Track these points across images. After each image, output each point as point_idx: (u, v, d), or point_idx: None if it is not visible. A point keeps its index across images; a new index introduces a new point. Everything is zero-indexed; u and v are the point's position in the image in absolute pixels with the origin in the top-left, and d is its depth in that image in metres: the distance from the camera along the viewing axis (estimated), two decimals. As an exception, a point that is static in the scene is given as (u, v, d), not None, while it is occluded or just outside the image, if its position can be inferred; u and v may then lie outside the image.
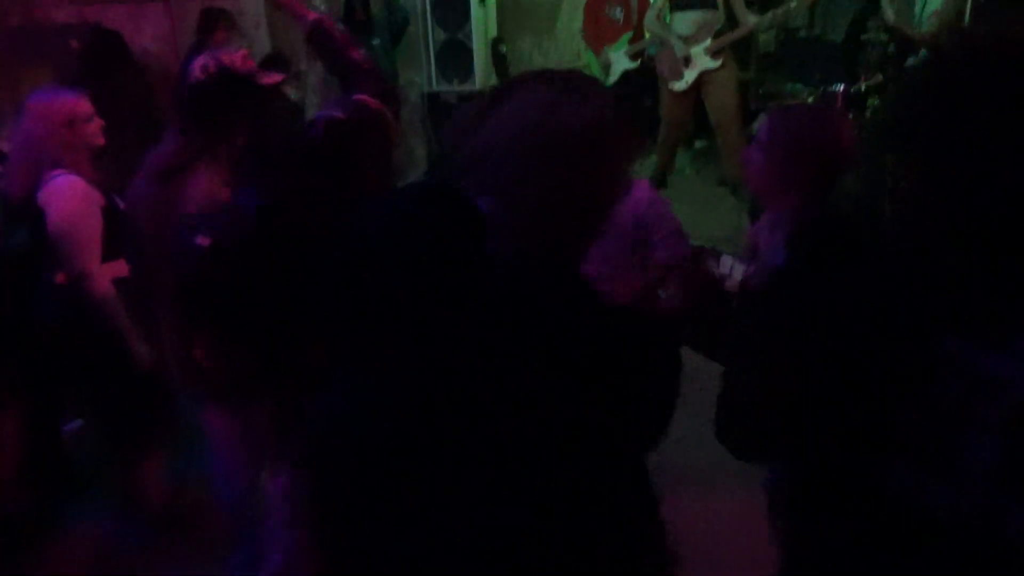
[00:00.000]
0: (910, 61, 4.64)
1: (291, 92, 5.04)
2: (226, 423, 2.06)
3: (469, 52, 6.07)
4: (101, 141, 2.58)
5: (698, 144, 6.99)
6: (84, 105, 2.52)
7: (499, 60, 6.34)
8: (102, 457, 2.85)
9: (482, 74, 6.14)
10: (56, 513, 2.86)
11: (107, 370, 2.50)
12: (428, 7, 6.10)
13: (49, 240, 2.35)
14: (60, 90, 2.61)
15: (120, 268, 2.49)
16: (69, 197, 2.37)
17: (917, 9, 4.61)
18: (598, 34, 6.37)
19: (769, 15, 5.39)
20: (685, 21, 5.39)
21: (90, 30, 4.60)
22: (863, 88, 5.41)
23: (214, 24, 4.77)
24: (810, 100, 5.79)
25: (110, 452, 2.78)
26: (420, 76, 6.37)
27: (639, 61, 6.14)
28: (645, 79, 5.84)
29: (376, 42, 5.68)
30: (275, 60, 4.62)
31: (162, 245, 1.88)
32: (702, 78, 5.42)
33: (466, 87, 6.08)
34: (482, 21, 6.14)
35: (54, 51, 4.56)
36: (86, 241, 2.39)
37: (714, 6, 5.31)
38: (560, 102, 1.09)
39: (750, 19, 5.30)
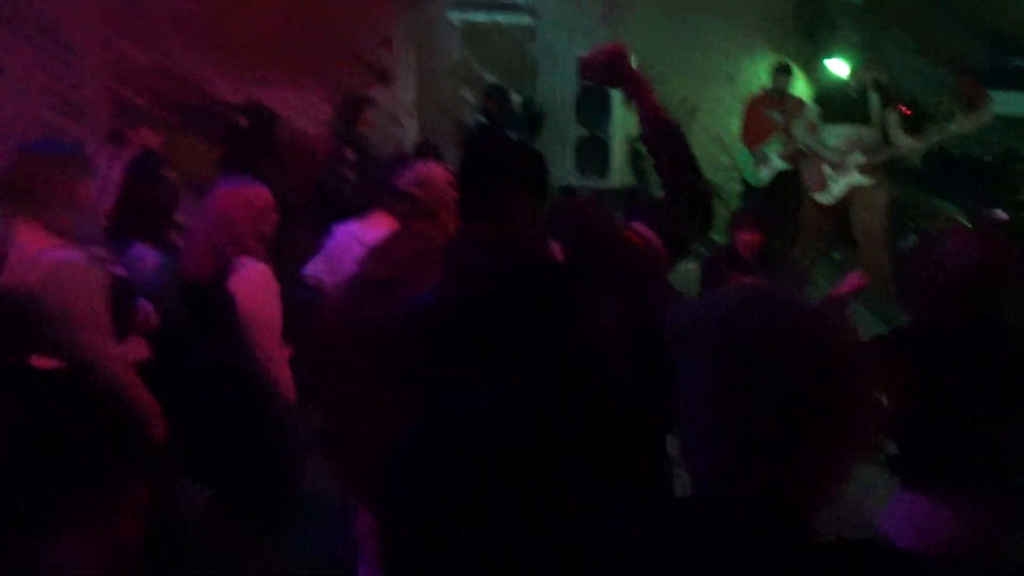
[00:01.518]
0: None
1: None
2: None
3: (607, 149, 6.12)
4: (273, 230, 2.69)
5: (836, 256, 6.76)
6: (269, 195, 2.63)
7: (636, 158, 6.36)
8: (221, 529, 2.87)
9: (619, 171, 6.17)
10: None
11: (256, 450, 2.53)
12: (573, 103, 6.21)
13: (238, 324, 2.40)
14: (249, 179, 2.74)
15: (287, 352, 2.55)
16: (260, 285, 2.45)
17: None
18: (755, 133, 6.43)
19: (926, 138, 5.21)
20: (837, 134, 5.28)
21: (252, 109, 4.88)
22: (1026, 216, 5.13)
23: (359, 110, 4.96)
24: (963, 223, 5.54)
25: (230, 526, 2.80)
26: (557, 170, 6.45)
27: (793, 165, 6.06)
28: (796, 182, 5.74)
29: (515, 137, 5.81)
30: (426, 148, 4.76)
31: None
32: (850, 194, 5.26)
33: (603, 183, 6.11)
34: (623, 119, 6.19)
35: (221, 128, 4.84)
36: (272, 327, 2.46)
37: (868, 122, 5.18)
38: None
39: (905, 140, 5.14)
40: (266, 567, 2.72)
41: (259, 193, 2.60)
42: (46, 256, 2.14)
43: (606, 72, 1.84)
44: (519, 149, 1.84)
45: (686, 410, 0.96)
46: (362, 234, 2.66)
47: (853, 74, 5.24)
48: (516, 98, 5.87)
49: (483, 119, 5.75)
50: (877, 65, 5.26)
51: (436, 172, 2.15)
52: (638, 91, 1.83)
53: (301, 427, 2.62)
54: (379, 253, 2.13)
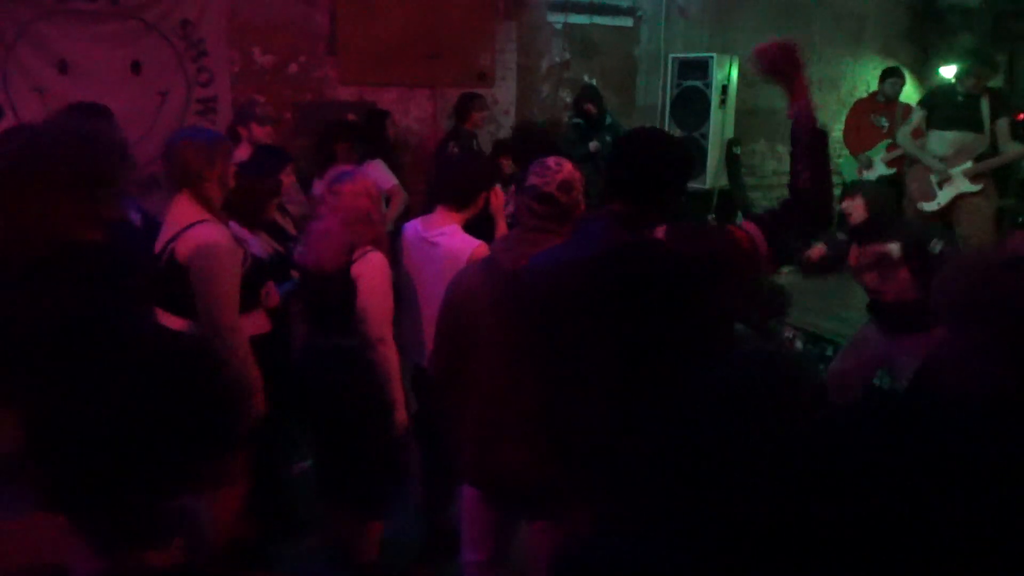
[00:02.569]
0: None
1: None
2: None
3: (703, 151, 6.14)
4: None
5: (937, 266, 6.55)
6: (382, 186, 2.84)
7: (732, 161, 6.35)
8: (329, 504, 3.05)
9: (713, 174, 6.18)
10: (270, 550, 3.02)
11: (366, 429, 2.72)
12: (668, 106, 6.26)
13: (357, 309, 2.61)
14: (365, 170, 2.95)
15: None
16: (380, 272, 2.64)
17: None
18: (860, 138, 6.37)
19: (1039, 145, 5.02)
20: (943, 141, 5.14)
21: (365, 108, 5.19)
22: None
23: (470, 107, 5.18)
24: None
25: (339, 503, 2.98)
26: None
27: (896, 169, 5.94)
28: (899, 188, 5.61)
29: (608, 139, 5.88)
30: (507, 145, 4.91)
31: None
32: (956, 201, 5.11)
33: (697, 184, 6.13)
34: (720, 123, 6.20)
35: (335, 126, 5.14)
36: (388, 312, 2.66)
37: (978, 128, 5.02)
38: None
39: (1015, 147, 4.96)
40: (364, 545, 2.90)
41: (369, 184, 2.81)
42: (196, 230, 2.42)
43: (779, 63, 1.91)
44: (680, 147, 2.00)
45: None
46: (425, 230, 2.81)
47: (963, 80, 5.07)
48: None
49: (579, 120, 5.88)
50: (989, 72, 5.08)
51: (577, 176, 2.20)
52: (800, 89, 1.90)
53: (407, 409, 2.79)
54: (510, 244, 2.23)
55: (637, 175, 1.87)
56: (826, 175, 1.88)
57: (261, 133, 4.16)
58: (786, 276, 4.63)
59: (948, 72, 6.32)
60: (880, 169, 6.23)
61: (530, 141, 4.31)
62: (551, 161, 2.17)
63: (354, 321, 2.64)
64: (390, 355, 2.67)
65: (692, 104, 6.19)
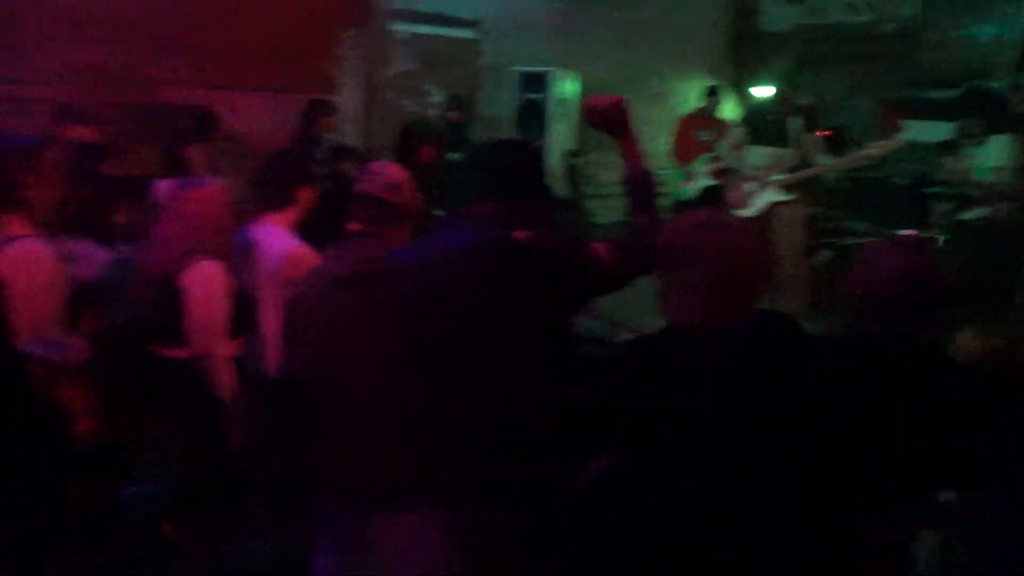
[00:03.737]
0: (965, 215, 4.79)
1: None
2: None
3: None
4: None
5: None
6: (226, 193, 2.73)
7: (571, 172, 6.60)
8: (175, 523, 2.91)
9: (553, 184, 6.39)
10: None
11: (204, 445, 2.61)
12: (514, 116, 6.45)
13: (184, 319, 2.50)
14: (208, 178, 2.84)
15: (233, 348, 2.65)
16: (211, 283, 2.53)
17: (977, 163, 4.75)
18: (684, 151, 6.78)
19: (844, 159, 5.57)
20: (760, 154, 5.59)
21: (196, 111, 4.96)
22: (933, 236, 5.52)
23: (318, 111, 5.10)
24: (875, 240, 5.90)
25: (184, 522, 2.85)
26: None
27: (718, 180, 6.38)
28: (720, 198, 6.04)
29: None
30: (343, 150, 4.91)
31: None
32: (771, 209, 5.57)
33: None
34: (559, 134, 6.43)
35: (164, 128, 4.91)
36: (217, 326, 2.55)
37: (789, 143, 5.51)
38: None
39: (824, 160, 5.48)
40: (222, 563, 2.79)
41: (223, 190, 2.71)
42: (13, 247, 2.21)
43: (607, 119, 2.06)
44: (532, 152, 2.08)
45: None
46: (250, 234, 2.74)
47: (776, 99, 5.55)
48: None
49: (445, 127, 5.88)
50: (799, 91, 5.59)
51: (404, 177, 2.20)
52: (628, 142, 2.06)
53: (247, 424, 2.68)
54: (342, 250, 2.19)
55: (506, 177, 1.93)
56: (655, 214, 2.08)
57: (83, 135, 3.89)
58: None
59: (764, 91, 6.88)
60: (703, 180, 6.63)
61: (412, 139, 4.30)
62: (375, 165, 2.20)
63: (185, 333, 2.54)
64: (219, 370, 2.57)
65: (534, 117, 6.38)
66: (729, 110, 7.30)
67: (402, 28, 6.09)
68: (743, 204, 5.65)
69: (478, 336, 1.80)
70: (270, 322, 2.55)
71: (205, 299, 2.52)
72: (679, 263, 1.68)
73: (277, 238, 2.68)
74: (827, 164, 5.54)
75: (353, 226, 2.15)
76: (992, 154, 4.75)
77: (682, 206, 6.85)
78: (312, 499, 2.31)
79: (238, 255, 2.75)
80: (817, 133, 5.74)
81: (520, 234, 1.90)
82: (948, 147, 5.26)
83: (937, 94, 6.84)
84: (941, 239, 5.20)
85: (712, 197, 6.45)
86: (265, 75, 5.40)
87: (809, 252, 5.82)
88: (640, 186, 2.04)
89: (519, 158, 2.00)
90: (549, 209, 2.05)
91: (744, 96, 8.07)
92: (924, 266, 1.94)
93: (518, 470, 1.78)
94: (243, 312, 2.64)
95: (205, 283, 2.53)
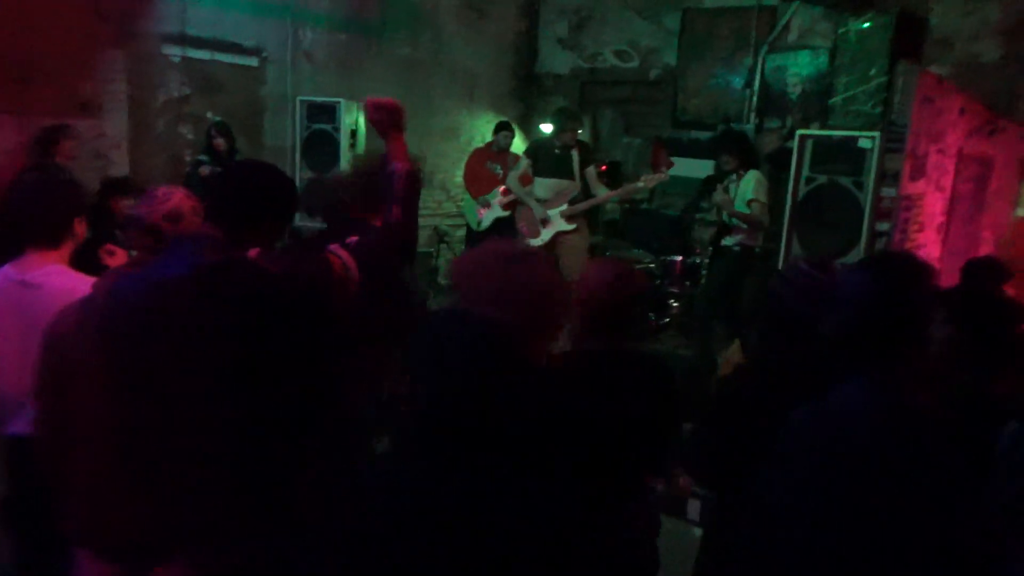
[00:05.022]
0: (725, 241, 5.33)
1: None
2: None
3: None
4: None
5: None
6: None
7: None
8: None
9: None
10: None
11: None
12: (297, 145, 6.27)
13: None
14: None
15: None
16: None
17: (737, 197, 5.29)
18: (477, 183, 7.08)
19: (619, 190, 5.97)
20: (545, 186, 5.85)
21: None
22: (698, 261, 6.04)
23: (56, 136, 4.65)
24: (652, 266, 6.36)
25: None
26: (283, 211, 6.40)
27: (509, 212, 6.59)
28: (511, 228, 6.24)
29: (237, 159, 5.69)
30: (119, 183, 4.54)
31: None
32: (556, 238, 5.83)
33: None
34: (347, 163, 6.33)
35: None
36: None
37: (572, 175, 5.81)
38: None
39: (601, 191, 5.84)
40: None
41: None
42: None
43: (384, 118, 2.21)
44: (267, 174, 1.97)
45: None
46: (19, 274, 2.37)
47: (557, 134, 5.83)
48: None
49: (205, 156, 5.60)
50: (577, 127, 5.92)
51: (187, 205, 2.10)
52: (398, 142, 2.21)
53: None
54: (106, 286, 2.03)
55: (235, 199, 1.87)
56: (414, 213, 2.13)
57: None
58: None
59: (546, 127, 7.24)
60: (496, 211, 6.91)
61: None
62: (160, 191, 2.07)
63: None
64: None
65: (322, 147, 6.24)
66: (517, 144, 7.60)
67: (173, 51, 5.72)
68: (533, 234, 5.87)
69: (198, 366, 1.66)
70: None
71: None
72: (479, 300, 1.55)
73: (70, 276, 2.33)
74: (605, 194, 5.89)
75: (119, 255, 1.98)
76: (746, 188, 5.31)
77: (476, 236, 7.03)
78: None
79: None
80: (598, 167, 6.11)
81: (253, 252, 1.84)
82: (710, 182, 5.79)
83: (698, 134, 7.54)
84: (703, 262, 5.69)
85: (504, 227, 6.67)
86: (10, 97, 4.83)
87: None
88: (398, 182, 2.11)
89: (249, 181, 1.92)
90: (280, 231, 1.99)
91: (530, 131, 8.46)
92: (622, 282, 2.06)
93: (254, 506, 1.67)
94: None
95: None
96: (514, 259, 1.55)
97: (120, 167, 5.29)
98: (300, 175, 6.28)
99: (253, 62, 6.28)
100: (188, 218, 2.09)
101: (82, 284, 2.25)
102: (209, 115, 5.93)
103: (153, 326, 1.69)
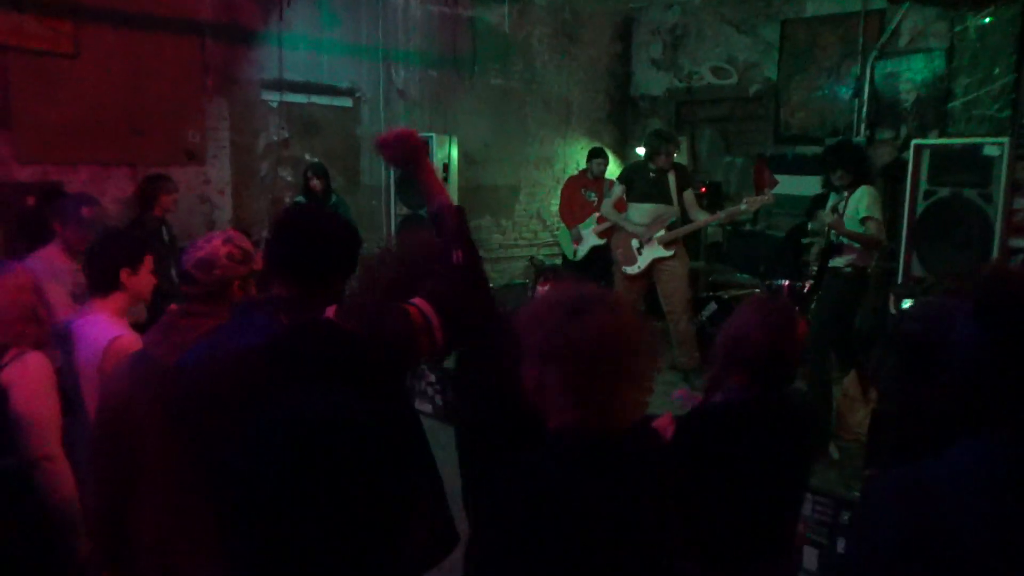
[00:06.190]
0: (835, 262, 4.93)
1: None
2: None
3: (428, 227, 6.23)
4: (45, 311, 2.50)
5: (657, 325, 7.15)
6: (32, 277, 2.44)
7: (458, 236, 6.50)
8: None
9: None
10: None
11: (41, 561, 2.27)
12: (392, 184, 6.33)
13: (11, 421, 2.18)
14: (9, 263, 2.56)
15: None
16: (40, 376, 2.24)
17: (848, 215, 4.91)
18: (572, 212, 6.92)
19: (721, 213, 5.72)
20: (641, 212, 5.66)
21: (47, 189, 4.63)
22: (806, 286, 5.68)
23: (156, 190, 4.84)
24: (756, 291, 6.04)
25: None
26: (381, 244, 6.48)
27: (606, 240, 6.43)
28: (608, 257, 6.07)
29: (334, 199, 5.79)
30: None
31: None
32: (654, 265, 5.62)
33: (425, 261, 6.18)
34: (445, 199, 6.34)
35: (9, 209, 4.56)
36: (52, 423, 2.24)
37: (668, 200, 5.61)
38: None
39: (700, 216, 5.60)
40: None
41: (27, 273, 2.42)
42: None
43: (399, 151, 1.98)
44: (331, 222, 1.88)
45: None
46: (71, 321, 2.48)
47: (653, 158, 5.65)
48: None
49: (302, 198, 5.73)
50: (672, 150, 5.72)
51: (220, 252, 2.03)
52: (426, 175, 1.99)
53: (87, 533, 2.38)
54: (163, 333, 2.04)
55: (298, 254, 1.75)
56: (473, 248, 1.95)
57: None
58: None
59: (642, 151, 7.06)
60: (591, 240, 6.76)
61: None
62: (204, 237, 2.02)
63: (9, 437, 2.21)
64: (60, 472, 2.24)
65: (416, 183, 6.29)
66: (612, 170, 7.45)
67: (271, 96, 5.92)
68: (630, 261, 5.69)
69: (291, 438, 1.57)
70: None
71: (34, 395, 2.22)
72: (544, 359, 1.39)
73: (100, 327, 2.38)
74: (705, 219, 5.66)
75: (174, 305, 1.96)
76: (859, 205, 4.92)
77: (572, 266, 6.90)
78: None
79: (57, 346, 2.47)
80: (697, 190, 5.88)
81: (329, 311, 1.73)
82: (818, 200, 5.44)
83: (803, 149, 7.17)
84: (808, 284, 5.31)
85: (599, 256, 6.52)
86: (123, 148, 5.10)
87: (696, 306, 5.89)
88: (450, 219, 1.91)
89: (308, 232, 1.80)
90: (346, 282, 1.88)
91: (625, 156, 8.29)
92: (780, 329, 1.94)
93: None
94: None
95: (33, 377, 2.23)
96: (577, 309, 1.37)
97: (224, 211, 5.49)
98: (396, 212, 6.35)
99: (347, 103, 6.43)
100: (226, 266, 2.02)
101: (108, 334, 2.32)
102: (307, 157, 6.09)
103: (225, 403, 1.59)
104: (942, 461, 1.17)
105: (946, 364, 1.25)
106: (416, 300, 1.89)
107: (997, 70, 5.04)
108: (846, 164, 5.00)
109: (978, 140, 4.31)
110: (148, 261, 2.54)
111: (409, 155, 1.99)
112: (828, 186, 5.31)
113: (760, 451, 1.89)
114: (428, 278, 1.90)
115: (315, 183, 5.68)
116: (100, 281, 2.46)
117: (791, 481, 2.01)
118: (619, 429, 1.38)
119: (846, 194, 4.99)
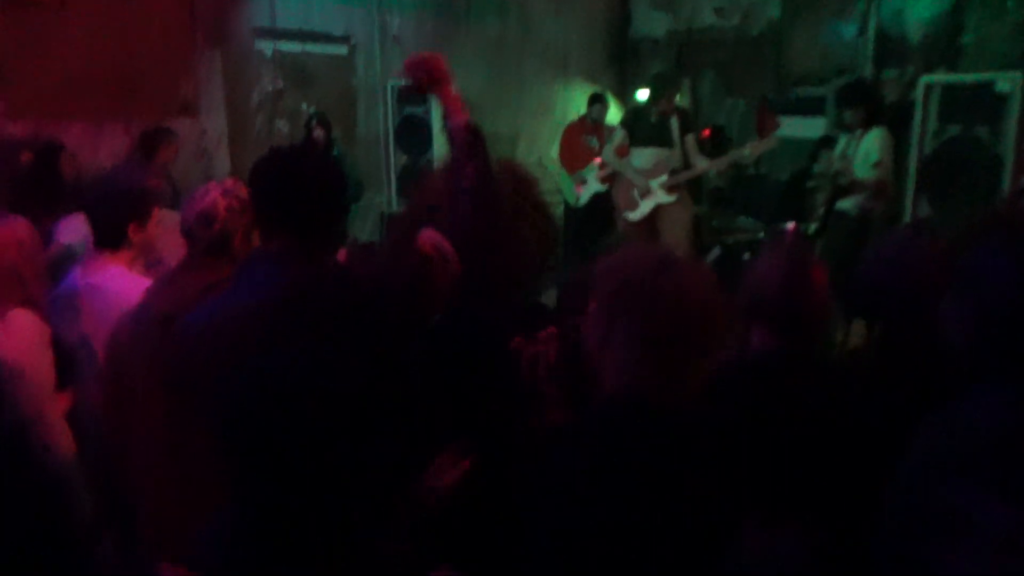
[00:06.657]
0: (841, 205, 4.85)
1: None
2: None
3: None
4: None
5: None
6: (30, 229, 2.40)
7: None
8: None
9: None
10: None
11: (36, 521, 2.27)
12: (390, 132, 6.23)
13: (3, 381, 2.14)
14: (10, 215, 2.50)
15: (65, 401, 2.32)
16: (28, 336, 2.19)
17: (859, 158, 4.82)
18: (573, 158, 6.84)
19: (724, 158, 5.63)
20: (643, 156, 5.58)
21: (41, 145, 4.54)
22: (812, 229, 5.62)
23: (156, 142, 4.75)
24: (760, 235, 6.00)
25: None
26: (380, 196, 6.42)
27: (607, 185, 6.37)
28: (610, 204, 6.01)
29: (336, 152, 5.71)
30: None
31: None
32: (657, 211, 5.56)
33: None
34: (441, 147, 6.26)
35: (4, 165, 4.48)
36: (43, 384, 2.21)
37: (670, 144, 5.52)
38: None
39: (702, 162, 5.52)
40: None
41: (20, 228, 2.36)
42: None
43: (425, 71, 1.95)
44: (313, 163, 1.78)
45: None
46: (83, 277, 2.41)
47: (653, 101, 5.55)
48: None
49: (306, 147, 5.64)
50: (674, 93, 5.61)
51: (220, 206, 1.97)
52: (449, 95, 1.95)
53: (87, 490, 2.37)
54: (165, 287, 1.99)
55: (285, 205, 1.66)
56: (488, 168, 1.87)
57: None
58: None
59: (642, 95, 6.93)
60: (594, 186, 6.69)
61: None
62: (202, 189, 1.95)
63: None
64: (54, 435, 2.22)
65: (415, 131, 6.20)
66: (613, 115, 7.33)
67: (265, 46, 5.78)
68: (632, 206, 5.63)
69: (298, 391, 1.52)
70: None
71: (21, 355, 2.17)
72: (621, 312, 1.31)
73: (129, 280, 2.33)
74: (708, 164, 5.58)
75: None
76: (870, 148, 4.81)
77: (575, 212, 6.84)
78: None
79: (63, 301, 2.43)
80: (699, 134, 5.78)
81: (340, 255, 1.69)
82: (825, 142, 5.34)
83: (808, 91, 7.04)
84: (813, 228, 5.23)
85: (602, 202, 6.45)
86: (116, 103, 5.00)
87: (699, 251, 5.85)
88: (462, 137, 1.85)
89: (310, 173, 1.70)
90: (340, 224, 1.81)
91: (626, 100, 8.15)
92: (799, 278, 1.81)
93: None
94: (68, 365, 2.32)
95: (20, 337, 2.18)
96: (665, 264, 1.30)
97: (222, 164, 5.41)
98: (395, 161, 6.27)
99: (343, 51, 6.29)
100: (225, 219, 1.96)
101: (141, 286, 2.24)
102: (304, 107, 5.98)
103: (227, 362, 1.56)
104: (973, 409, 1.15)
105: (972, 298, 1.22)
106: (425, 232, 1.84)
107: (1010, 2, 4.89)
108: (859, 103, 4.87)
109: (990, 76, 4.22)
110: (155, 214, 2.49)
111: (434, 77, 1.95)
112: (839, 126, 5.20)
113: (785, 411, 1.71)
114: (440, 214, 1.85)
115: (318, 133, 5.57)
116: (108, 236, 2.40)
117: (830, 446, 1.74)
118: (682, 399, 1.31)
119: (859, 132, 4.86)
